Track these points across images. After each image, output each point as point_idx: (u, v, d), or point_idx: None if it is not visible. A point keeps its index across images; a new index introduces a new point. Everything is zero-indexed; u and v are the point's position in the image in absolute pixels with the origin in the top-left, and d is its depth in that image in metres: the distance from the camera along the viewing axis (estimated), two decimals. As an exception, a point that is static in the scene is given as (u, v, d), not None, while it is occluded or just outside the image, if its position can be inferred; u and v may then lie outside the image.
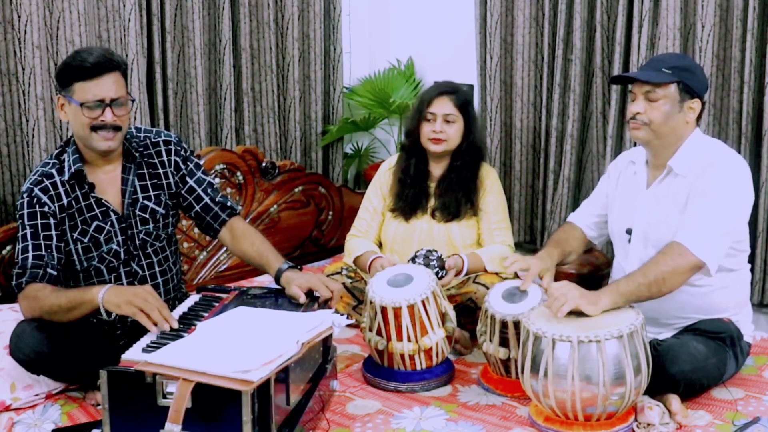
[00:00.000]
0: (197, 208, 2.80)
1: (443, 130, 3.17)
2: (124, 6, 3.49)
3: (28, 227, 2.57)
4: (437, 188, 3.26)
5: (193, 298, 2.67)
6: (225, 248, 3.61)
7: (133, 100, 2.68)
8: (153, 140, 2.75)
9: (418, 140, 3.24)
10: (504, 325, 2.62)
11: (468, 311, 3.00)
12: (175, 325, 2.37)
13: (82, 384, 2.68)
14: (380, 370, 2.76)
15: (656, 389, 2.46)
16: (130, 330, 2.65)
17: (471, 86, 4.16)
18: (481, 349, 2.75)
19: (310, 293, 2.59)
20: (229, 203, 2.83)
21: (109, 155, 2.63)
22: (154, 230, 2.73)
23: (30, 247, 2.55)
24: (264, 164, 3.81)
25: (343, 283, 3.05)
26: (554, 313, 2.40)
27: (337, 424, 2.50)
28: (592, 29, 3.67)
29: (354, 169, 4.53)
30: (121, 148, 2.67)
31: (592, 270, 3.40)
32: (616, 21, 3.56)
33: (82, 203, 2.62)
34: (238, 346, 2.17)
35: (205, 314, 2.49)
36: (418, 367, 2.72)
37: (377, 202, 3.34)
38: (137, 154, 2.69)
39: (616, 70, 3.54)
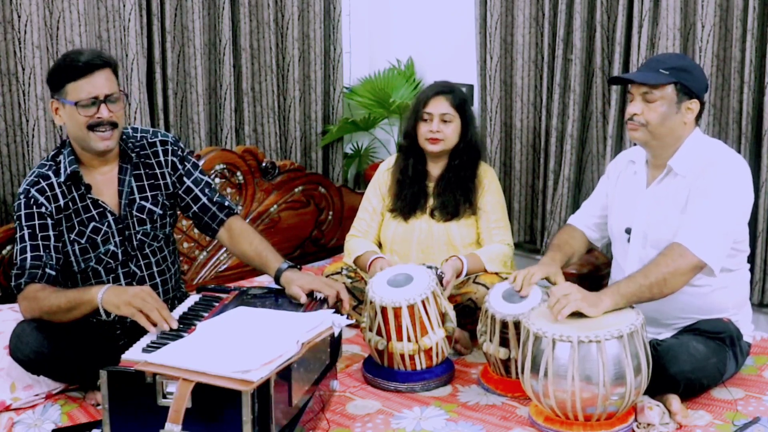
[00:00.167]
0: (195, 208, 2.80)
1: (440, 130, 3.18)
2: (124, 6, 3.49)
3: (25, 228, 2.57)
4: (436, 188, 3.26)
5: (193, 298, 2.67)
6: (225, 248, 3.61)
7: (126, 96, 2.68)
8: (150, 140, 2.74)
9: (415, 140, 3.25)
10: (504, 325, 2.62)
11: (468, 311, 3.00)
12: (175, 325, 2.37)
13: (82, 384, 2.68)
14: (380, 370, 2.76)
15: (656, 389, 2.46)
16: (130, 330, 2.65)
17: (471, 86, 4.16)
18: (481, 349, 2.75)
19: (310, 294, 2.59)
20: (226, 203, 2.83)
21: (105, 155, 2.63)
22: (151, 231, 2.73)
23: (28, 248, 2.55)
24: (264, 164, 3.81)
25: (343, 283, 3.05)
26: (555, 316, 2.40)
27: (337, 424, 2.50)
28: (592, 29, 3.67)
29: (354, 169, 4.53)
30: (118, 148, 2.67)
31: (592, 270, 3.40)
32: (616, 21, 3.55)
33: (79, 204, 2.62)
34: (238, 346, 2.17)
35: (205, 314, 2.49)
36: (418, 367, 2.72)
37: (376, 202, 3.34)
38: (134, 155, 2.69)
39: (616, 70, 3.53)
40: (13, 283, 2.56)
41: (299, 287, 2.57)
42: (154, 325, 2.35)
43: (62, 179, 2.60)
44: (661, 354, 2.45)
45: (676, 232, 2.52)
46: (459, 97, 3.22)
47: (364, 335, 2.80)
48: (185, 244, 3.58)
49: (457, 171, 3.22)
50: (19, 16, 3.21)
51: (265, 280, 3.34)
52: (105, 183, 2.67)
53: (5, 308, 2.92)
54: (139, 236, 2.71)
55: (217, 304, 2.57)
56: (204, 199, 2.79)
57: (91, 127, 2.54)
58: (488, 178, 3.25)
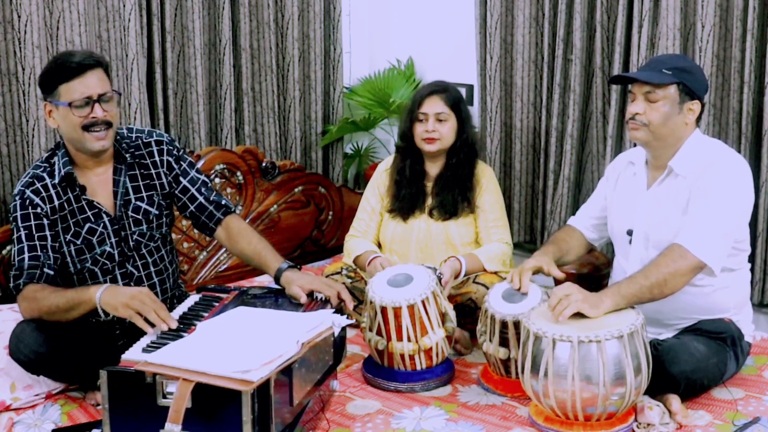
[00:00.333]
0: (192, 207, 2.79)
1: (436, 129, 3.18)
2: (124, 6, 3.49)
3: (22, 229, 2.57)
4: (434, 187, 3.26)
5: (193, 298, 2.67)
6: (225, 248, 3.61)
7: (119, 95, 2.67)
8: (145, 140, 2.74)
9: (412, 141, 3.25)
10: (504, 325, 2.62)
11: (468, 311, 3.00)
12: (174, 326, 2.36)
13: (81, 384, 2.68)
14: (380, 370, 2.76)
15: (656, 389, 2.46)
16: (130, 330, 2.64)
17: (471, 86, 4.16)
18: (481, 349, 2.75)
19: (310, 294, 2.59)
20: (223, 202, 2.82)
21: (100, 156, 2.63)
22: (147, 231, 2.73)
23: (26, 249, 2.55)
24: (264, 164, 3.81)
25: (343, 283, 3.05)
26: (555, 317, 2.40)
27: (337, 424, 2.50)
28: (592, 29, 3.67)
29: (354, 169, 4.53)
30: (112, 149, 2.66)
31: (592, 270, 3.40)
32: (616, 21, 3.55)
33: (74, 206, 2.62)
34: (238, 346, 2.17)
35: (205, 314, 2.49)
36: (418, 367, 2.72)
37: (375, 203, 3.34)
38: (128, 155, 2.69)
39: (616, 70, 3.53)
40: (11, 284, 2.56)
41: (299, 287, 2.57)
42: (152, 326, 2.35)
43: (56, 181, 2.59)
44: (661, 354, 2.45)
45: (678, 233, 2.52)
46: (453, 96, 3.22)
47: (364, 335, 2.80)
48: (185, 244, 3.58)
49: (454, 170, 3.23)
50: (19, 16, 3.21)
51: (265, 280, 3.34)
52: (100, 184, 2.66)
53: (5, 308, 2.92)
54: (135, 237, 2.70)
55: (217, 304, 2.57)
56: (201, 199, 2.79)
57: (86, 128, 2.54)
58: (486, 177, 3.25)
